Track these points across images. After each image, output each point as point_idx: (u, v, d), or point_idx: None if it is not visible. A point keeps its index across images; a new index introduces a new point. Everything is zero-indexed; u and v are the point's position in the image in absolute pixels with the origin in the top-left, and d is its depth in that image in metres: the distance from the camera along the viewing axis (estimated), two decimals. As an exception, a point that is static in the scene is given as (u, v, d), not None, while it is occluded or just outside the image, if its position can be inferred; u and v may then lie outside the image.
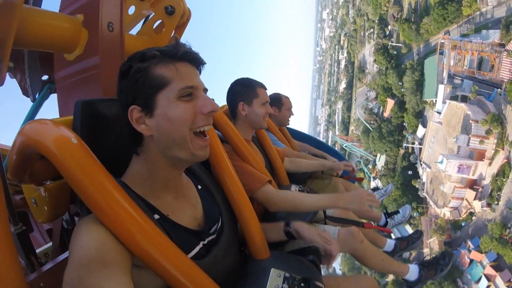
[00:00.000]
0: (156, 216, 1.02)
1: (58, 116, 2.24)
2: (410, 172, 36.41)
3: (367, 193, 1.70)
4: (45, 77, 2.42)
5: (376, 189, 3.73)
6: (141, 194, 1.03)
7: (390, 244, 2.70)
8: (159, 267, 0.89)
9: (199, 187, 1.27)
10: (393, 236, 3.00)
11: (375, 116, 47.48)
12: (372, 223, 2.94)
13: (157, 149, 1.02)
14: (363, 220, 2.48)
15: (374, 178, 46.41)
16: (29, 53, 2.25)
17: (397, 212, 3.19)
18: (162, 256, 0.89)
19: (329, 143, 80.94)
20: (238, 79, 2.25)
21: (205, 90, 1.07)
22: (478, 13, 27.02)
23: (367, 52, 52.31)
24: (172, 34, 2.57)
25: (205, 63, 1.09)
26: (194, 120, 1.01)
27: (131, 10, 2.53)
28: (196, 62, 1.06)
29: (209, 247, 1.14)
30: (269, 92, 2.53)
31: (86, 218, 0.91)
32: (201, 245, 1.11)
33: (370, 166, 48.84)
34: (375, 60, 45.88)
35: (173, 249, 0.94)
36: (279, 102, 3.29)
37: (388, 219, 3.12)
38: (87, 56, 1.78)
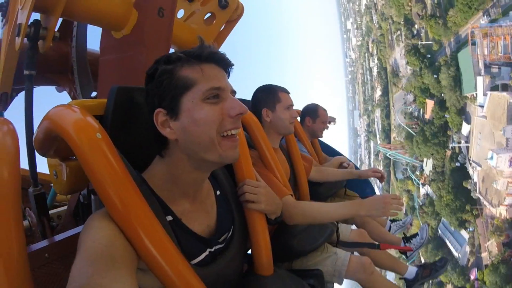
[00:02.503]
0: (169, 218, 1.01)
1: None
2: (458, 164, 34.08)
3: (392, 196, 1.58)
4: (93, 94, 2.59)
5: (394, 220, 3.50)
6: (159, 194, 1.03)
7: (411, 271, 2.54)
8: (159, 269, 0.89)
9: (218, 192, 1.25)
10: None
11: (416, 120, 45.20)
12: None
13: (183, 152, 1.00)
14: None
15: (423, 185, 43.64)
16: (78, 63, 2.44)
17: (415, 235, 3.03)
18: (163, 258, 0.89)
19: (372, 154, 78.13)
20: (260, 87, 2.24)
21: (233, 92, 1.05)
22: (502, -6, 25.35)
23: (398, 55, 50.64)
24: (222, 27, 2.63)
25: (232, 65, 1.06)
26: (221, 123, 0.98)
27: (180, 13, 2.53)
28: (223, 63, 1.04)
29: (215, 256, 1.13)
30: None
31: (100, 212, 0.92)
32: (207, 252, 1.10)
33: (418, 173, 46.03)
34: (407, 62, 44.26)
35: (176, 254, 0.93)
36: (315, 113, 3.26)
37: (406, 244, 2.98)
38: (133, 37, 1.82)
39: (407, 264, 2.67)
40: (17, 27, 1.67)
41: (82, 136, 0.90)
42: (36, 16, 1.73)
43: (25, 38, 1.71)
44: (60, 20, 2.23)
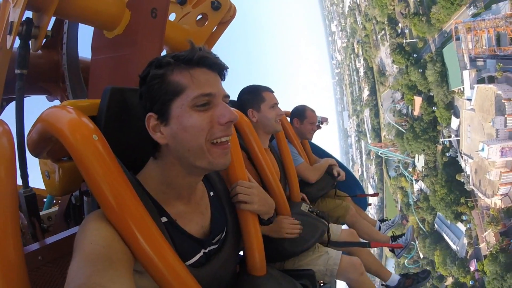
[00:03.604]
0: (164, 219, 1.01)
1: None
2: (449, 154, 34.74)
3: (289, 221, 1.77)
4: None
5: (383, 220, 3.59)
6: (153, 196, 1.02)
7: (394, 279, 2.58)
8: (154, 269, 0.89)
9: (211, 193, 1.25)
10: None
11: (405, 117, 46.01)
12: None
13: (174, 157, 1.00)
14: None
15: (417, 181, 44.23)
16: (69, 70, 2.38)
17: (402, 235, 3.15)
18: (159, 259, 0.89)
19: (363, 153, 78.95)
20: (244, 88, 2.27)
21: (226, 96, 1.02)
22: (483, -12, 26.16)
23: (384, 54, 51.67)
24: (214, 29, 2.61)
25: (226, 68, 1.03)
26: (210, 130, 0.97)
27: (172, 17, 2.50)
28: (215, 67, 1.00)
29: (209, 256, 1.13)
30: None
31: (96, 213, 0.91)
32: (201, 253, 1.10)
33: (410, 169, 46.72)
34: (393, 61, 45.26)
35: (171, 254, 0.93)
36: (303, 115, 3.23)
37: (393, 243, 3.09)
38: (125, 37, 1.82)
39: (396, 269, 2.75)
40: (9, 25, 1.63)
41: (78, 137, 0.89)
42: (28, 14, 1.70)
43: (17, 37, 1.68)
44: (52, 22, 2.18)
